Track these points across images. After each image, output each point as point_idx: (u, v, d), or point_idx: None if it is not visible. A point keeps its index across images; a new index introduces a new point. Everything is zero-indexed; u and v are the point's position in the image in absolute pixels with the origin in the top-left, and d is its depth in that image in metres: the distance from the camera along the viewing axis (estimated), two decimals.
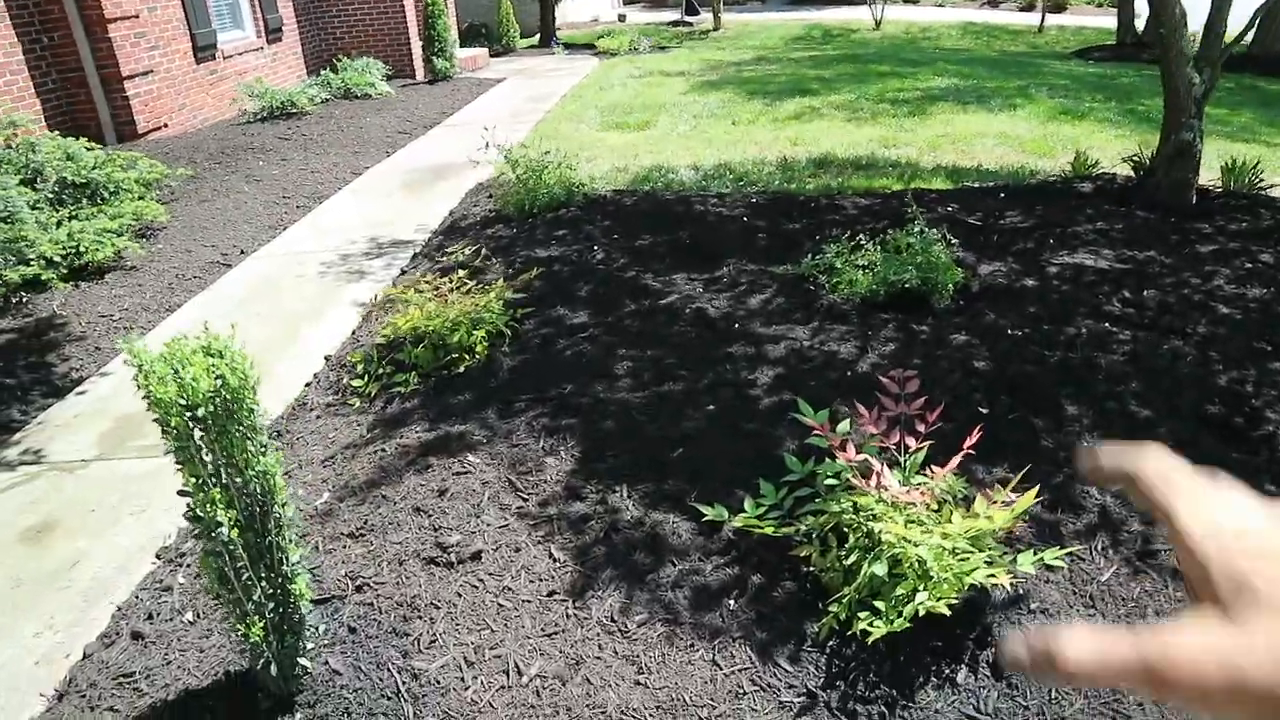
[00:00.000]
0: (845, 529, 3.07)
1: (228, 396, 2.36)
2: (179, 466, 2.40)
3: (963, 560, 2.82)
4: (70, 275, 6.60)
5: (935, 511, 2.98)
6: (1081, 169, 7.28)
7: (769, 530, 3.06)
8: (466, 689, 2.86)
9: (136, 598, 3.45)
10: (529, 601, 3.15)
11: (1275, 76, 14.60)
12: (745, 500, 3.32)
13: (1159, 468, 0.51)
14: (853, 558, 2.96)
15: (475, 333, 4.65)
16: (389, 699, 2.84)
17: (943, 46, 19.43)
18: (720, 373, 4.25)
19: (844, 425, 3.20)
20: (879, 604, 2.82)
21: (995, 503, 2.84)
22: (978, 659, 2.90)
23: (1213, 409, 3.81)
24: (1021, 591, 3.08)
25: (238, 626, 2.64)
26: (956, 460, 2.88)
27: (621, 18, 25.79)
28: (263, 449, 2.53)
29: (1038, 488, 2.87)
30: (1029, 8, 25.94)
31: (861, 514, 2.98)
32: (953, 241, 5.25)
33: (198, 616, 3.31)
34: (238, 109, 12.56)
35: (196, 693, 2.97)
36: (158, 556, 3.69)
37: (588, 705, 2.77)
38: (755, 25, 24.18)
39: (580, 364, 4.50)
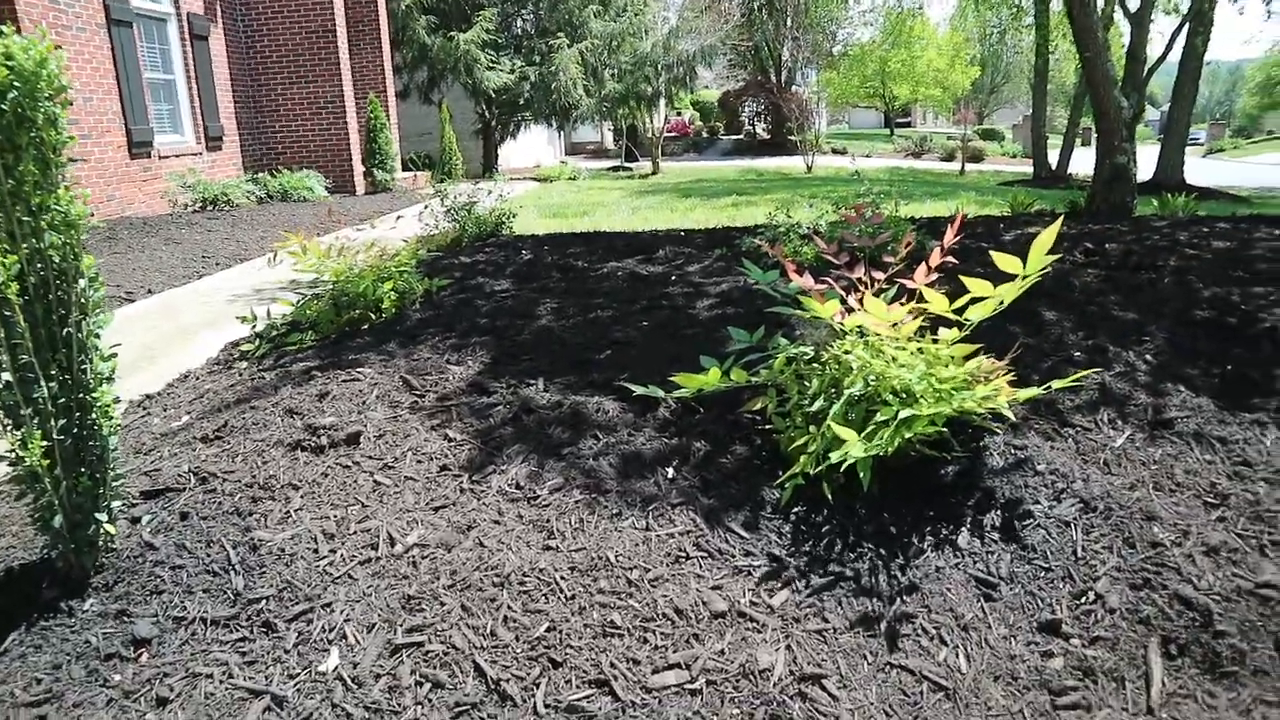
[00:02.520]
0: (804, 379, 2.54)
1: (19, 91, 1.83)
2: None
3: (954, 386, 2.30)
4: None
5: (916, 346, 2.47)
6: (1020, 209, 7.22)
7: (712, 383, 2.48)
8: (320, 559, 2.18)
9: None
10: (413, 479, 2.50)
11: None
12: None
13: None
14: (818, 403, 2.41)
15: (383, 285, 4.13)
16: (214, 574, 2.14)
17: (874, 179, 20.25)
18: (656, 302, 3.77)
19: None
20: (853, 445, 2.23)
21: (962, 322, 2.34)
22: (981, 523, 2.33)
23: (1202, 313, 3.43)
24: (1025, 455, 2.54)
25: (11, 447, 1.97)
26: (936, 259, 2.40)
27: (563, 163, 26.64)
28: (67, 190, 1.96)
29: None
30: (949, 158, 27.55)
31: (827, 349, 2.46)
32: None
33: None
34: (169, 204, 12.25)
35: None
36: None
37: (478, 569, 2.11)
38: (693, 170, 25.12)
39: (501, 310, 3.98)
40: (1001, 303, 2.21)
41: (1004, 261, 2.13)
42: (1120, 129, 6.40)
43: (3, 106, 1.81)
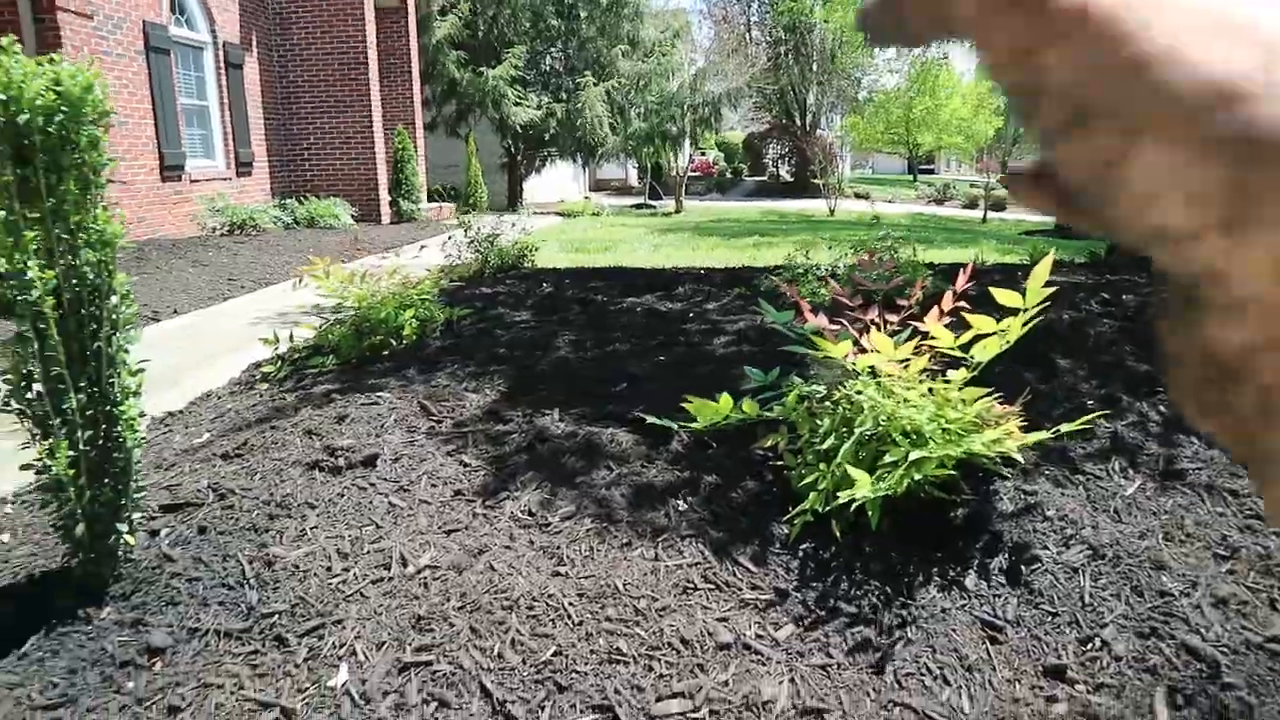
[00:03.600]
0: (816, 417, 2.56)
1: (65, 114, 1.91)
2: None
3: (963, 428, 2.32)
4: None
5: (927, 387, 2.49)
6: (1039, 257, 7.25)
7: (723, 413, 2.52)
8: (333, 577, 2.21)
9: None
10: (428, 502, 2.54)
11: None
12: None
13: None
14: (829, 441, 2.44)
15: (404, 313, 4.20)
16: (229, 588, 2.18)
17: (895, 224, 20.35)
18: (673, 338, 3.81)
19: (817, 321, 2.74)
20: (863, 485, 2.26)
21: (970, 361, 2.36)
22: (988, 566, 2.34)
23: None
24: (1034, 500, 2.55)
25: (39, 456, 2.03)
26: (948, 303, 2.43)
27: (587, 199, 26.93)
28: (104, 210, 2.04)
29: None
30: (972, 205, 27.62)
31: (839, 389, 2.49)
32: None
33: (15, 536, 2.64)
34: (197, 227, 12.47)
35: None
36: None
37: (488, 592, 2.14)
38: (716, 210, 25.33)
39: (520, 341, 4.04)
40: (1008, 341, 2.24)
41: (1004, 297, 2.17)
42: None
43: (49, 129, 1.89)
